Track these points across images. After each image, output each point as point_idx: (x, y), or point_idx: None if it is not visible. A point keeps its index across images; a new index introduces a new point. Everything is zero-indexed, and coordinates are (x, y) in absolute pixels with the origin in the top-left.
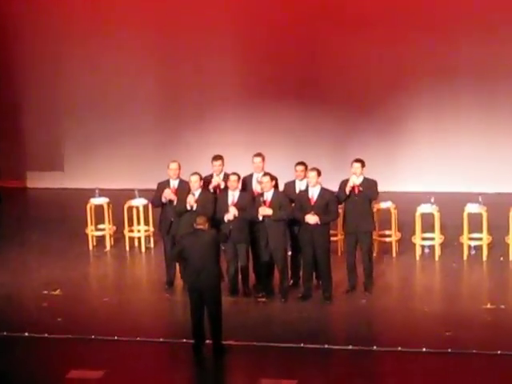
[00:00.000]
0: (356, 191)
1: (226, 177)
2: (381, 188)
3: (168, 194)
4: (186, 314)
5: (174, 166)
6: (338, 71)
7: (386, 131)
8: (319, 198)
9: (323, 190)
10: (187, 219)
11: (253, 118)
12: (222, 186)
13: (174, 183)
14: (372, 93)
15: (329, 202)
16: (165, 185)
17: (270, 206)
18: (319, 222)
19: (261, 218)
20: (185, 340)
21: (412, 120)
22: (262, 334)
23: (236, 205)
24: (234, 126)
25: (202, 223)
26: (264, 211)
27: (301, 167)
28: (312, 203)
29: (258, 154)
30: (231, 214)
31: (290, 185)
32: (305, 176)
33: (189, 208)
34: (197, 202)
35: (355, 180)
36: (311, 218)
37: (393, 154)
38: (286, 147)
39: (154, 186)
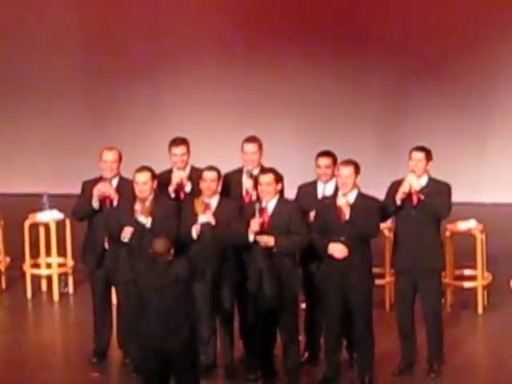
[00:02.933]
0: (414, 201)
1: (196, 173)
2: (457, 197)
3: (104, 188)
4: None
5: (109, 155)
6: (387, 10)
7: (463, 105)
8: (356, 210)
9: (362, 198)
10: (135, 243)
11: (242, 78)
12: (188, 189)
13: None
14: (444, 46)
15: (368, 212)
16: (93, 185)
17: (271, 223)
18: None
19: (251, 239)
20: None
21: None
22: None
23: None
24: (209, 91)
25: (162, 250)
26: (261, 238)
27: (326, 160)
28: (343, 219)
29: (252, 139)
30: (204, 220)
31: (308, 189)
32: (332, 175)
33: (126, 239)
34: (149, 214)
35: (414, 182)
36: (339, 249)
37: (479, 144)
38: (299, 128)
39: (75, 190)
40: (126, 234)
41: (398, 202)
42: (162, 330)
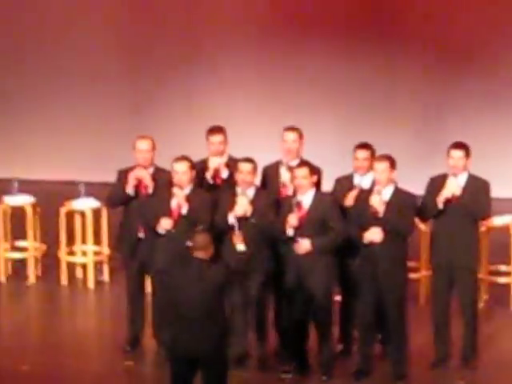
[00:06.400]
0: (453, 201)
1: (233, 164)
2: (494, 192)
3: (140, 173)
4: None
5: (143, 144)
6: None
7: (504, 98)
8: (391, 205)
9: (398, 193)
10: (168, 233)
11: (281, 68)
12: (225, 175)
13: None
14: (486, 38)
15: (403, 208)
16: (128, 175)
17: (308, 217)
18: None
19: (291, 233)
20: None
21: None
22: None
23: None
24: (248, 81)
25: (202, 247)
26: (298, 247)
27: (363, 153)
28: (380, 213)
29: (292, 129)
30: (240, 207)
31: (345, 182)
32: (370, 167)
33: (166, 227)
34: (188, 203)
35: (455, 187)
36: (376, 233)
37: None
38: (337, 119)
39: (112, 178)
40: (165, 225)
41: (440, 206)
42: (190, 336)
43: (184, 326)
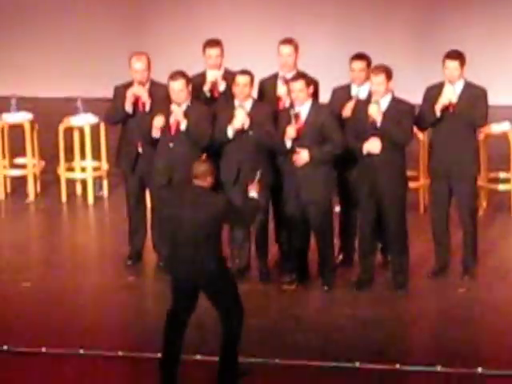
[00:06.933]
0: (451, 110)
1: (229, 76)
2: (492, 100)
3: (137, 90)
4: (160, 310)
5: (139, 64)
6: None
7: (500, 4)
8: (389, 114)
9: (396, 103)
10: (168, 149)
11: None
12: (223, 88)
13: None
14: None
15: (401, 117)
16: (125, 90)
17: (305, 128)
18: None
19: (289, 145)
20: (159, 354)
21: None
22: (291, 346)
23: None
24: None
25: (202, 175)
26: (297, 158)
27: (359, 64)
28: (378, 123)
29: (288, 41)
30: (238, 120)
31: (342, 92)
32: (367, 78)
33: (159, 125)
34: (186, 118)
35: (451, 94)
36: (374, 143)
37: None
38: (335, 29)
39: (108, 94)
40: (157, 123)
41: (438, 114)
42: (184, 261)
43: (179, 251)
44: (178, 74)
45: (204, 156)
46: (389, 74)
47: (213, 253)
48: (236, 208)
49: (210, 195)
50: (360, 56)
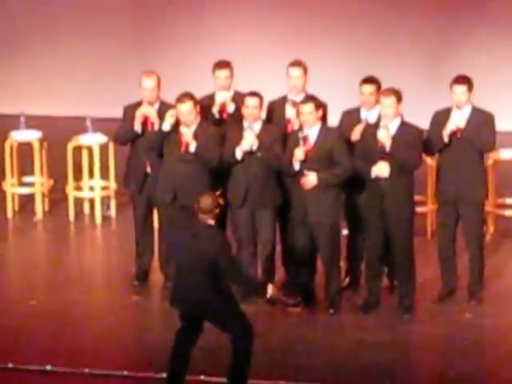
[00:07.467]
0: (458, 135)
1: (239, 98)
2: (500, 125)
3: (146, 111)
4: (166, 330)
5: (148, 82)
6: None
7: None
8: (398, 139)
9: (405, 127)
10: (174, 167)
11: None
12: (232, 109)
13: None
14: None
15: (410, 142)
16: (135, 110)
17: (314, 151)
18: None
19: (297, 167)
20: (164, 375)
21: None
22: (296, 368)
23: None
24: (255, 13)
25: (206, 210)
26: (305, 181)
27: (369, 87)
28: (387, 147)
29: (297, 63)
30: (247, 142)
31: (351, 115)
32: (376, 101)
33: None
34: (196, 140)
35: (459, 120)
36: (383, 168)
37: None
38: (346, 53)
39: (118, 114)
40: (145, 111)
41: (446, 139)
42: (187, 295)
43: (181, 281)
44: (185, 97)
45: (218, 192)
46: (399, 97)
47: (212, 288)
48: (229, 262)
49: (210, 236)
50: (370, 80)
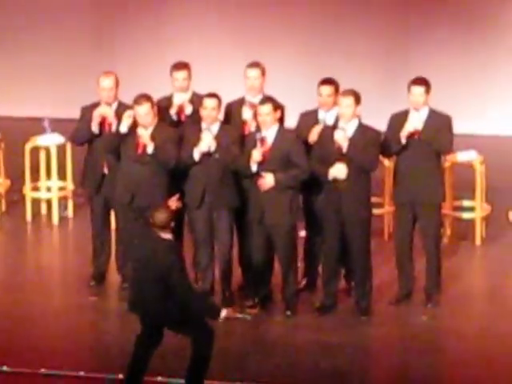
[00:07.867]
0: (416, 137)
1: (197, 99)
2: (458, 128)
3: (104, 111)
4: (123, 331)
5: (106, 82)
6: None
7: (467, 35)
8: (355, 140)
9: (362, 129)
10: (132, 168)
11: (247, 2)
12: (189, 111)
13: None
14: None
15: (367, 143)
16: (92, 110)
17: (271, 153)
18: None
19: (254, 169)
20: (121, 376)
21: None
22: (253, 369)
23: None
24: (213, 15)
25: (160, 225)
26: (261, 183)
27: (327, 89)
28: (344, 149)
29: (255, 64)
30: (205, 143)
31: (309, 117)
32: (334, 103)
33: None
34: (153, 142)
35: (416, 122)
36: (340, 169)
37: (482, 75)
38: (303, 55)
39: (75, 114)
40: (103, 111)
41: (403, 141)
42: (144, 303)
43: (137, 286)
44: (142, 98)
45: (176, 196)
46: (357, 98)
47: (170, 298)
48: (180, 280)
49: (163, 250)
50: (328, 81)
